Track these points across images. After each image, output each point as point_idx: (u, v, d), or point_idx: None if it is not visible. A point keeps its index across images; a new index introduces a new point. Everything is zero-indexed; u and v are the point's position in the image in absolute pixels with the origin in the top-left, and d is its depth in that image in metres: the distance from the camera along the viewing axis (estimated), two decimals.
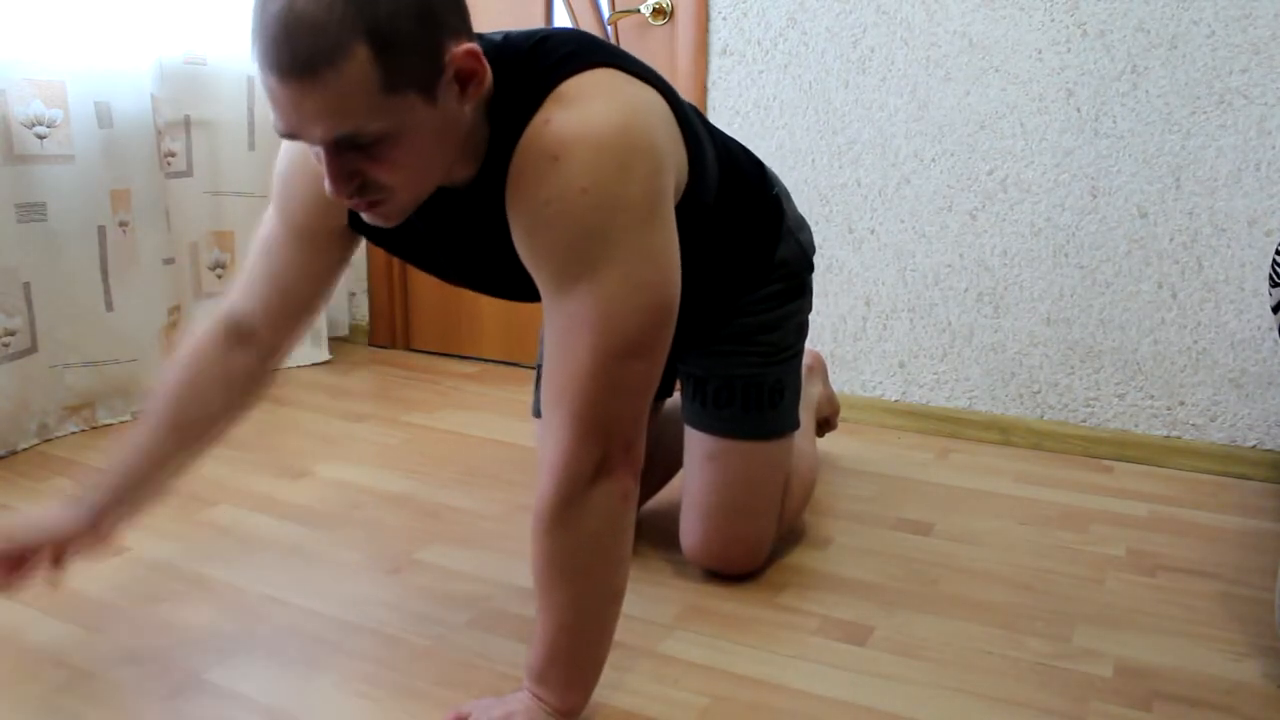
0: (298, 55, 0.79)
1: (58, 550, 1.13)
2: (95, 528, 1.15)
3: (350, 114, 0.82)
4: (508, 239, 0.99)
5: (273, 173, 1.14)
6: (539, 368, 1.51)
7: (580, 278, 0.93)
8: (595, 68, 0.95)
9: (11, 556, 1.11)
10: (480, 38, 0.97)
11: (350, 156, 0.86)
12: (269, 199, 2.60)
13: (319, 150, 0.87)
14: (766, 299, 1.36)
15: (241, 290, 1.18)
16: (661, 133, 0.97)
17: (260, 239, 1.16)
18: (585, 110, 0.91)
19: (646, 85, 0.98)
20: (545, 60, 0.95)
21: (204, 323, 1.19)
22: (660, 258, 0.96)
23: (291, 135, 0.86)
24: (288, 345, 1.20)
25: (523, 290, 1.13)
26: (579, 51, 0.96)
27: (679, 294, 1.00)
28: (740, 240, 1.32)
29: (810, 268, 1.43)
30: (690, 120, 1.05)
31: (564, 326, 0.95)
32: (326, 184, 0.87)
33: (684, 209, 1.09)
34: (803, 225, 1.43)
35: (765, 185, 1.36)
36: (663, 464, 1.60)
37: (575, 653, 1.03)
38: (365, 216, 0.94)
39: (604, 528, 0.99)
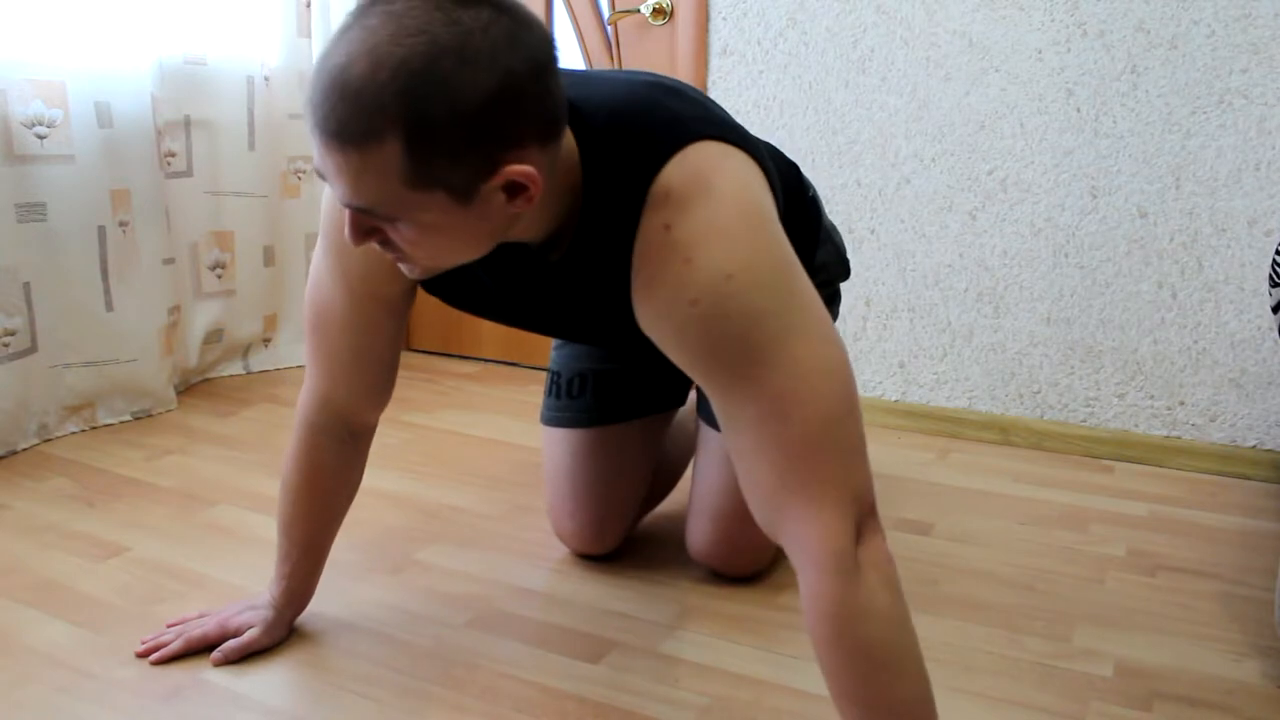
0: (329, 119, 0.77)
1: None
2: (286, 629, 1.27)
3: (364, 193, 0.79)
4: (617, 311, 0.97)
5: (321, 249, 1.10)
6: (550, 374, 1.50)
7: (760, 361, 0.88)
8: (689, 143, 0.92)
9: (209, 643, 1.22)
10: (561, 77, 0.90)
11: (368, 218, 0.83)
12: (268, 199, 2.59)
13: None
14: None
15: (329, 377, 1.15)
16: (765, 194, 0.95)
17: (323, 311, 1.12)
18: (702, 209, 0.89)
19: (734, 149, 0.95)
20: (635, 130, 0.92)
21: (315, 435, 1.19)
22: (818, 306, 0.92)
23: (321, 176, 0.84)
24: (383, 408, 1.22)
25: (622, 340, 1.09)
26: (667, 125, 0.92)
27: None
28: None
29: (846, 272, 1.41)
30: (766, 162, 1.01)
31: (759, 414, 0.88)
32: (345, 228, 0.85)
33: None
34: (834, 228, 1.43)
35: (802, 189, 1.33)
36: (669, 472, 1.60)
37: None
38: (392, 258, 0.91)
39: (892, 598, 0.88)
